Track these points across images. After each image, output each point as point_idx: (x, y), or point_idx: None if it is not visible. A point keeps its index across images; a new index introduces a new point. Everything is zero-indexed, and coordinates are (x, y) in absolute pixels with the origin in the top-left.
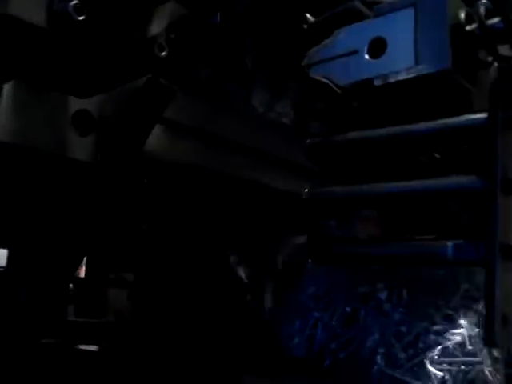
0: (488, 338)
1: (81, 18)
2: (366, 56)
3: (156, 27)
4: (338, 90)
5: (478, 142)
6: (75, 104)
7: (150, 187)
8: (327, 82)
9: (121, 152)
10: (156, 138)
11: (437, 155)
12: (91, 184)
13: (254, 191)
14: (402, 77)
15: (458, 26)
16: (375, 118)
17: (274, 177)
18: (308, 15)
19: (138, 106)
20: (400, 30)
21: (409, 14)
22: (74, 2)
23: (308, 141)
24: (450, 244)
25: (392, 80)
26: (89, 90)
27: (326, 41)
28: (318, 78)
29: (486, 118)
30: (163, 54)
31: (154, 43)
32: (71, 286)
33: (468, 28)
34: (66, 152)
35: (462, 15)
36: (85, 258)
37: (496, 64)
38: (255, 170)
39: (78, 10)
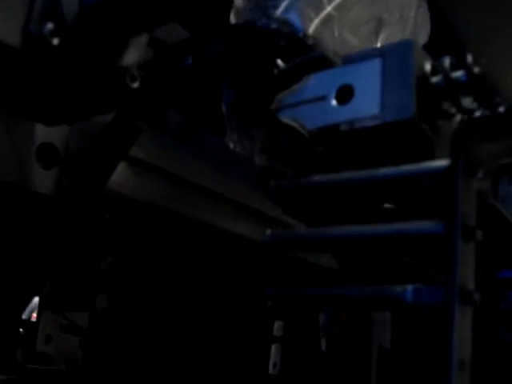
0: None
1: (56, 41)
2: (334, 102)
3: (130, 57)
4: (306, 134)
5: (438, 188)
6: (40, 137)
7: (113, 223)
8: (295, 125)
9: (83, 187)
10: (119, 174)
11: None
12: (52, 218)
13: (216, 236)
14: (367, 123)
15: (423, 78)
16: (340, 162)
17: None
18: (279, 61)
19: (103, 142)
20: (367, 78)
21: (376, 63)
22: (50, 26)
23: (273, 183)
24: (408, 288)
25: (358, 126)
26: (58, 118)
27: (296, 86)
28: (285, 121)
29: (447, 165)
30: (135, 85)
31: (126, 73)
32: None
33: (433, 80)
34: (29, 184)
35: (428, 67)
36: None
37: (459, 115)
38: (219, 214)
39: (54, 33)
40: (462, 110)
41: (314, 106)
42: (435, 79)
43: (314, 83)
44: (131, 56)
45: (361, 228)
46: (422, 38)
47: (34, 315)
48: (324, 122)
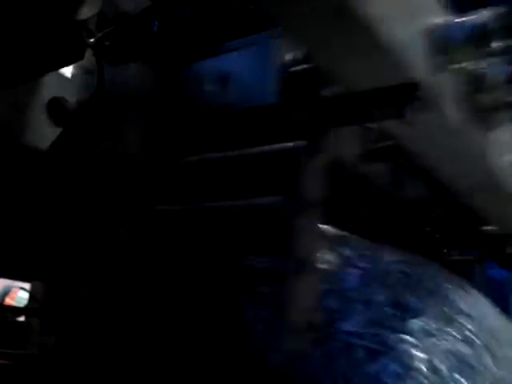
0: (285, 342)
1: None
2: (213, 88)
3: (86, 11)
4: None
5: (290, 166)
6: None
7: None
8: None
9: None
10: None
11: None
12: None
13: None
14: (239, 107)
15: (288, 66)
16: (218, 144)
17: None
18: None
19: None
20: (241, 65)
21: (249, 51)
22: None
23: None
24: (262, 259)
25: (232, 110)
26: (12, 78)
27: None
28: None
29: (295, 146)
30: (92, 40)
31: (82, 28)
32: None
33: (298, 68)
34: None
35: (293, 57)
36: None
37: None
38: None
39: None
40: (318, 97)
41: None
42: (300, 67)
43: (199, 70)
44: (88, 10)
45: (215, 203)
46: None
47: (7, 300)
48: (205, 106)
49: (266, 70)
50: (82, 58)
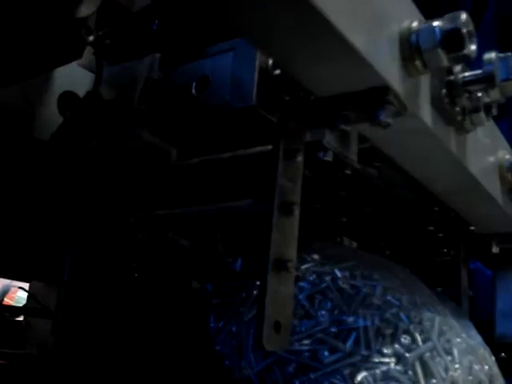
0: (258, 342)
1: None
2: (193, 91)
3: (85, 9)
4: None
5: (264, 168)
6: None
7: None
8: None
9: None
10: None
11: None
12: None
13: None
14: (218, 110)
15: (265, 70)
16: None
17: None
18: None
19: None
20: (221, 69)
21: (229, 56)
22: None
23: None
24: (238, 259)
25: (211, 113)
26: (10, 77)
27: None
28: None
29: (270, 149)
30: (91, 38)
31: (81, 25)
32: None
33: (274, 73)
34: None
35: (270, 62)
36: None
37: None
38: None
39: None
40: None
41: (178, 94)
42: (276, 72)
43: (179, 74)
44: (87, 7)
45: (199, 207)
46: None
47: (6, 299)
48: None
49: (246, 75)
50: (80, 56)
